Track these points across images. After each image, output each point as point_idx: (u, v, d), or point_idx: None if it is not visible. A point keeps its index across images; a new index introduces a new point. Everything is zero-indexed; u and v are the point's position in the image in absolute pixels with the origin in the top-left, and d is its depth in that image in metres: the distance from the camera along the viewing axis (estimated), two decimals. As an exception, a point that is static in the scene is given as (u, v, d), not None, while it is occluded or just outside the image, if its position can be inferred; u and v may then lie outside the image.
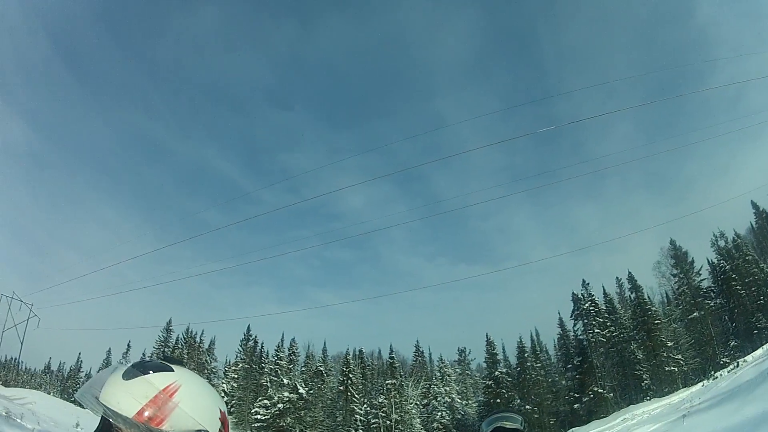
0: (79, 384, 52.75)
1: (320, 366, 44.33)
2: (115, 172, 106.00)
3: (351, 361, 44.15)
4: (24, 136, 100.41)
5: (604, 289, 48.06)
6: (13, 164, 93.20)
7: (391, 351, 45.37)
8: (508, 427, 2.37)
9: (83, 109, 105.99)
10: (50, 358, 60.60)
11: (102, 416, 1.03)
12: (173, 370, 1.09)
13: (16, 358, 53.31)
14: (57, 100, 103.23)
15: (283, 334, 47.78)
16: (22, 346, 51.01)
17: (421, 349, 48.37)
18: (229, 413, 44.62)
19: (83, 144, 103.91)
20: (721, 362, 43.36)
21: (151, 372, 1.06)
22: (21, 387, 49.43)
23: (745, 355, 40.46)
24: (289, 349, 45.62)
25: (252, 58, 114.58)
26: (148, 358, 1.21)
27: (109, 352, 51.31)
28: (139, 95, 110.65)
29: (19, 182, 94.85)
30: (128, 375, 1.05)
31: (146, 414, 1.01)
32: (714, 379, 39.23)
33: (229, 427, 1.22)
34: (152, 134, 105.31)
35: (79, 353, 55.45)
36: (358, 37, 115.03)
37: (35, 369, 59.51)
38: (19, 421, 26.37)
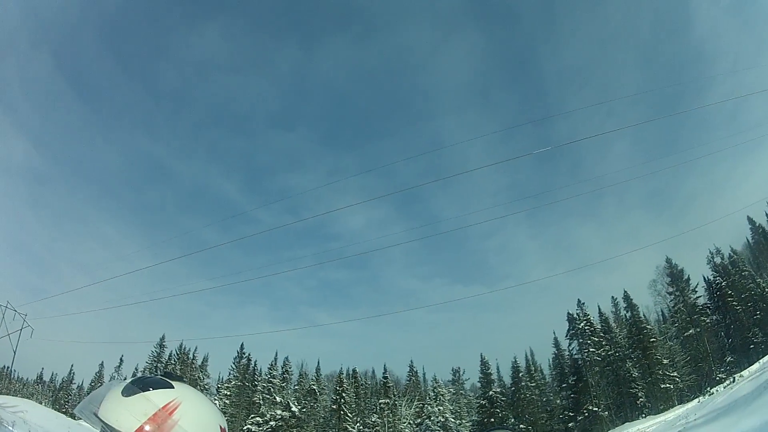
0: (70, 396, 52.49)
1: (313, 385, 44.04)
2: (114, 189, 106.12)
3: (344, 380, 43.81)
4: (25, 152, 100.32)
5: (599, 309, 47.90)
6: (13, 179, 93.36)
7: (385, 370, 45.25)
8: None
9: (85, 127, 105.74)
10: (42, 368, 60.32)
11: None
12: (173, 387, 1.07)
13: (8, 367, 52.95)
14: (60, 118, 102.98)
15: (276, 353, 47.62)
16: (15, 356, 50.60)
17: (415, 369, 48.27)
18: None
19: (84, 161, 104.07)
20: (717, 378, 43.25)
21: (150, 389, 1.04)
22: (13, 395, 49.13)
23: (742, 371, 40.36)
24: (282, 368, 45.26)
25: (254, 79, 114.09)
26: (149, 374, 1.14)
27: (101, 365, 50.97)
28: (141, 114, 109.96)
29: (19, 196, 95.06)
30: (128, 391, 1.03)
31: None
32: (710, 395, 39.12)
33: None
34: (153, 153, 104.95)
35: (72, 365, 55.19)
36: (360, 59, 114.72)
37: (27, 378, 59.34)
38: (10, 428, 26.18)
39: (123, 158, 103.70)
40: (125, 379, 1.12)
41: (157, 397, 1.03)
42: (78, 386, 52.60)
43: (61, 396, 52.27)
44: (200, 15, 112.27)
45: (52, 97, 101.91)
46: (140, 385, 1.05)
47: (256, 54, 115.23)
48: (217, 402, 46.12)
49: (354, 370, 45.34)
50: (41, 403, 50.41)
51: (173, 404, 1.03)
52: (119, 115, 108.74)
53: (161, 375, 1.11)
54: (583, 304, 47.35)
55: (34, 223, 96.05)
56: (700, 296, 50.07)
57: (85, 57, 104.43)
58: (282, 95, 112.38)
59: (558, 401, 46.47)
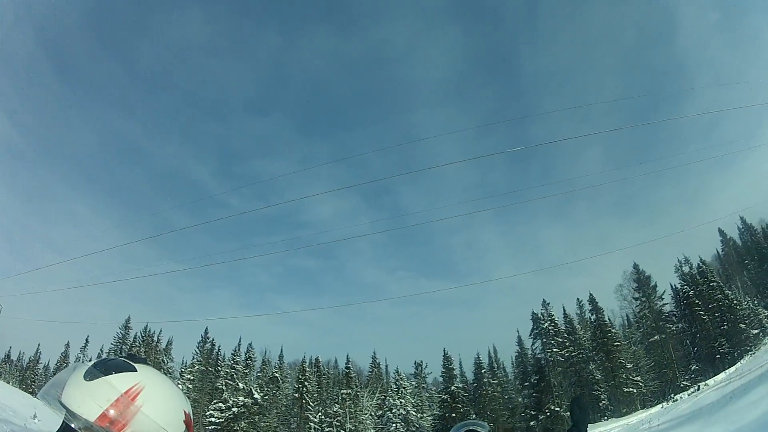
0: (37, 375, 52.31)
1: (276, 372, 44.30)
2: (87, 167, 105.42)
3: (307, 369, 44.17)
4: (1, 126, 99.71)
5: (564, 310, 48.55)
6: None
7: (348, 361, 45.63)
8: (477, 431, 2.43)
9: (62, 103, 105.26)
10: (10, 347, 59.67)
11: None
12: (136, 370, 1.04)
13: (-25, 345, 52.74)
14: (37, 93, 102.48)
15: (240, 339, 47.62)
16: (-17, 333, 50.31)
17: (377, 361, 48.59)
18: (183, 414, 44.44)
19: (57, 137, 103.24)
20: (682, 385, 43.93)
21: (113, 372, 1.02)
22: (-21, 375, 48.93)
23: (707, 379, 41.09)
24: (245, 354, 45.45)
25: (233, 63, 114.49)
26: (112, 356, 1.12)
27: (67, 345, 50.94)
28: (117, 92, 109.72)
29: None
30: (90, 375, 1.00)
31: (107, 419, 0.96)
32: (674, 401, 39.82)
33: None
34: (127, 132, 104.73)
35: (39, 344, 54.82)
36: (340, 49, 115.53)
37: (-6, 356, 59.02)
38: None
39: (97, 136, 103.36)
40: (90, 360, 1.14)
41: (119, 382, 1.00)
42: (44, 366, 52.50)
43: (28, 376, 52.06)
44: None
45: (31, 72, 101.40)
46: (102, 368, 1.02)
47: (236, 38, 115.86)
48: (180, 386, 46.27)
49: (317, 359, 45.79)
50: (8, 383, 50.22)
51: (136, 389, 1.00)
52: (95, 93, 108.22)
53: (124, 357, 1.09)
54: (548, 304, 48.05)
55: (4, 198, 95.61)
56: (667, 303, 50.82)
57: (67, 32, 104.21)
58: (260, 81, 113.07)
59: (520, 399, 46.94)
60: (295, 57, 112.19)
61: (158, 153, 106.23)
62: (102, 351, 46.55)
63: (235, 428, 43.16)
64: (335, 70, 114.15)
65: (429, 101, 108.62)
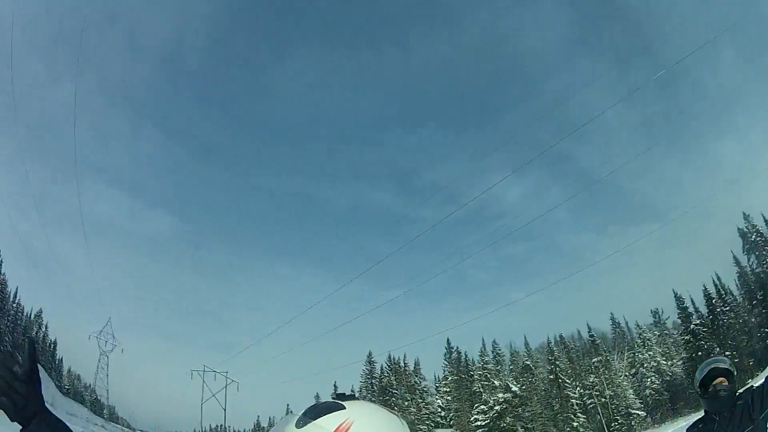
0: (292, 435, 55.69)
1: (527, 360, 46.31)
2: (274, 232, 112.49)
3: (554, 349, 46.10)
4: (171, 225, 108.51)
5: (764, 218, 48.18)
6: (169, 252, 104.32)
7: (590, 329, 47.25)
8: (721, 367, 2.69)
9: (211, 185, 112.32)
10: (258, 416, 63.47)
11: None
12: (345, 408, 1.06)
13: (222, 425, 56.83)
14: (186, 183, 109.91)
15: (483, 339, 49.60)
16: (226, 413, 54.23)
17: (617, 321, 49.96)
18: (449, 425, 45.79)
19: (228, 218, 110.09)
20: None
21: (322, 415, 1.05)
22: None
23: None
24: (492, 352, 47.85)
25: (364, 90, 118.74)
26: (321, 401, 1.15)
27: (317, 396, 54.12)
28: (267, 158, 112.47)
29: (179, 266, 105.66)
30: (301, 423, 1.04)
31: None
32: None
33: None
34: (302, 189, 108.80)
35: (287, 405, 58.35)
36: (455, 45, 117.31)
37: (245, 429, 63.68)
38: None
39: (270, 201, 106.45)
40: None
41: (328, 422, 1.02)
42: (295, 423, 55.63)
43: (281, 438, 55.42)
44: (285, 45, 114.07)
45: (175, 167, 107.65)
46: (311, 414, 1.05)
47: (355, 67, 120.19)
48: (439, 400, 48.63)
49: (561, 336, 47.48)
50: (265, 451, 53.84)
51: (345, 425, 1.01)
52: (247, 164, 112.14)
53: (333, 398, 1.12)
54: (749, 216, 48.18)
55: (201, 286, 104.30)
56: None
57: (188, 118, 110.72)
58: (394, 97, 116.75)
59: (753, 320, 47.39)
60: (418, 65, 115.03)
61: (335, 196, 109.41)
62: (353, 390, 49.59)
63: (501, 425, 45.14)
64: (460, 61, 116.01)
65: (560, 60, 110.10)
